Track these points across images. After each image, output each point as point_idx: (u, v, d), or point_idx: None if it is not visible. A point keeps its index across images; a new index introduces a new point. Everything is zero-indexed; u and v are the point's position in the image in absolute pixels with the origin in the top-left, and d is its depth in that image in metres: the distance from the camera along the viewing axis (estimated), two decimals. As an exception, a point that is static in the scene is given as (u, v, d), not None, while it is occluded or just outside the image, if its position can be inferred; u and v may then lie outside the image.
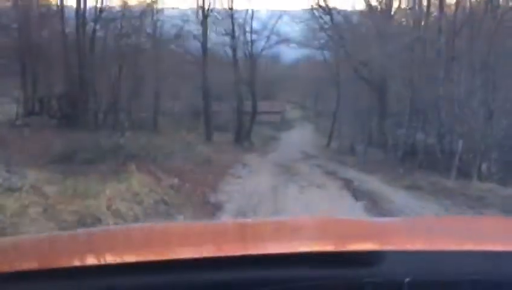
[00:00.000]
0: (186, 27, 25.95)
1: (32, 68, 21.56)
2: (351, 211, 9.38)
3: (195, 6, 25.64)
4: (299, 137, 37.30)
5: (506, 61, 16.07)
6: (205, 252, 0.98)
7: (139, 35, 21.29)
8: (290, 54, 40.99)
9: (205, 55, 25.93)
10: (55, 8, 20.86)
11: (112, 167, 10.70)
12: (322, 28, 29.22)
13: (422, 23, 18.94)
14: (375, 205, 10.10)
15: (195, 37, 26.11)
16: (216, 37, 27.57)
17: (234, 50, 27.55)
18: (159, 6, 24.03)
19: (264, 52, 31.16)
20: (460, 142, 15.52)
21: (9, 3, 21.79)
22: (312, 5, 26.99)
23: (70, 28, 20.09)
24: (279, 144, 32.52)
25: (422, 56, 18.42)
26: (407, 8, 23.48)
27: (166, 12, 25.09)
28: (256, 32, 28.37)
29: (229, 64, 28.96)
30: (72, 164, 10.99)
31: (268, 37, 28.52)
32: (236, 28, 27.33)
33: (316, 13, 27.46)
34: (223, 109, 34.72)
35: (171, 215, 8.52)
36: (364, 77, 26.79)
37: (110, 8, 20.27)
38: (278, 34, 29.02)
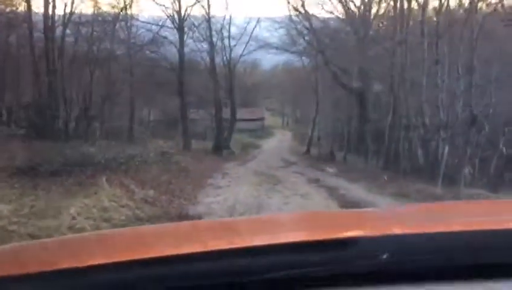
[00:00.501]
0: (162, 33, 25.05)
1: (-1, 75, 20.34)
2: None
3: (171, 12, 24.77)
4: (279, 144, 36.65)
5: (489, 65, 15.77)
6: (192, 248, 0.98)
7: (112, 40, 20.22)
8: (268, 60, 40.44)
9: (182, 61, 25.01)
10: (22, 13, 19.68)
11: (79, 180, 9.72)
12: (300, 34, 28.72)
13: (403, 28, 18.53)
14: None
15: (171, 42, 25.19)
16: (193, 44, 26.72)
17: (212, 56, 26.72)
18: (134, 11, 23.14)
19: (242, 59, 30.46)
20: (446, 148, 15.09)
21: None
22: (290, 11, 26.46)
23: (39, 33, 18.93)
24: (259, 152, 31.76)
25: (404, 61, 18.00)
26: (387, 12, 23.17)
27: (141, 18, 24.17)
28: (234, 38, 27.64)
29: (207, 71, 28.14)
30: (34, 177, 9.95)
31: (247, 43, 27.80)
32: (214, 34, 26.55)
33: (295, 18, 26.93)
34: (201, 116, 33.83)
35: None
36: (344, 83, 26.33)
37: (82, 14, 19.29)
38: (256, 39, 28.35)
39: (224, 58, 27.90)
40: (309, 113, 40.26)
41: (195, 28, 25.65)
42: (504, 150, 16.94)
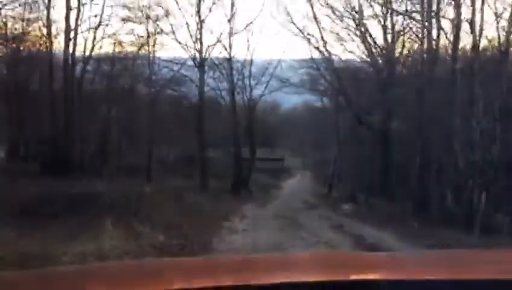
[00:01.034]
0: (183, 71, 24.61)
1: (19, 112, 19.95)
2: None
3: (192, 51, 24.42)
4: (299, 185, 35.30)
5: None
6: (208, 283, 0.97)
7: (132, 77, 19.76)
8: (288, 101, 39.82)
9: (201, 99, 24.40)
10: (44, 50, 19.47)
11: (83, 221, 8.69)
12: (321, 75, 27.98)
13: (432, 66, 17.51)
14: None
15: (191, 81, 24.69)
16: (213, 82, 26.20)
17: (232, 94, 26.07)
18: (156, 50, 22.84)
19: (262, 98, 29.77)
20: (484, 195, 13.66)
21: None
22: (311, 51, 25.80)
23: (59, 70, 18.58)
24: (278, 193, 30.45)
25: (433, 101, 16.86)
26: (412, 52, 22.27)
27: (162, 56, 23.85)
28: (254, 78, 27.05)
29: (227, 110, 27.46)
30: (36, 217, 8.98)
31: (267, 82, 27.14)
32: (234, 73, 26.01)
33: (316, 58, 26.25)
34: (220, 155, 32.95)
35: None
36: (366, 124, 25.21)
37: (102, 53, 18.94)
38: (277, 79, 27.69)
39: (245, 97, 27.24)
40: (329, 154, 39.04)
41: (216, 67, 25.16)
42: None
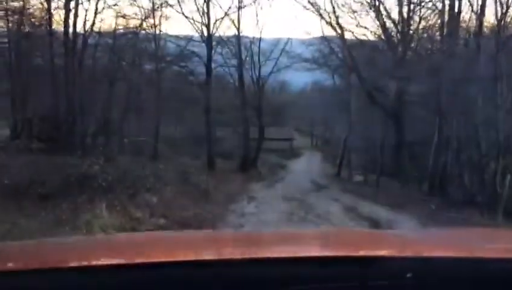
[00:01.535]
0: (190, 47, 23.39)
1: (22, 88, 19.04)
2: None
3: (199, 26, 23.12)
4: (308, 165, 34.24)
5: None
6: (217, 255, 0.99)
7: (136, 51, 18.62)
8: (297, 80, 38.48)
9: (209, 76, 23.23)
10: (44, 23, 18.38)
11: (76, 205, 7.77)
12: (333, 52, 26.61)
13: (454, 40, 16.18)
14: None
15: (197, 56, 23.49)
16: (221, 59, 24.99)
17: (240, 72, 24.87)
18: (162, 27, 21.64)
19: (271, 77, 28.50)
20: (509, 177, 12.55)
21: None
22: (323, 27, 24.42)
23: (60, 45, 17.51)
24: (287, 173, 29.46)
25: (453, 77, 15.58)
26: (430, 25, 20.81)
27: (168, 31, 22.66)
28: (263, 54, 25.74)
29: (235, 88, 26.30)
30: (24, 199, 8.07)
31: (277, 59, 25.84)
32: (242, 50, 24.74)
33: (328, 35, 24.85)
34: (228, 135, 31.94)
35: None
36: (380, 103, 23.93)
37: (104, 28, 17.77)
38: (287, 56, 26.39)
39: (253, 75, 26.02)
40: (339, 134, 37.87)
41: (223, 43, 23.91)
42: None
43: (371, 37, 24.87)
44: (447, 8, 17.59)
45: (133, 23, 18.35)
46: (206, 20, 22.82)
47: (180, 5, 21.84)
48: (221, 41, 23.68)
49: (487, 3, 15.37)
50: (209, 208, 11.12)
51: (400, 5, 22.13)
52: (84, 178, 8.56)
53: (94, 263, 0.88)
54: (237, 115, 26.85)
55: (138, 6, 19.08)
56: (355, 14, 22.58)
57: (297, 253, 0.98)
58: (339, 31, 23.90)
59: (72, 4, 15.85)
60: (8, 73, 19.77)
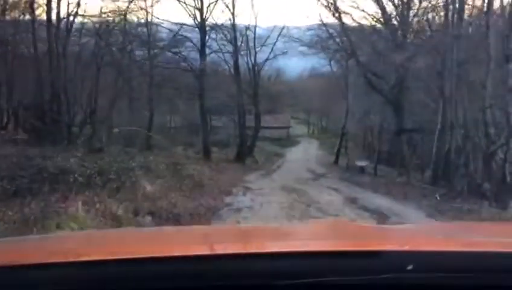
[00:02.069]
0: (183, 33, 22.14)
1: (7, 77, 17.84)
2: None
3: (192, 10, 21.85)
4: (305, 154, 33.24)
5: None
6: (215, 250, 0.97)
7: (126, 38, 17.40)
8: (294, 66, 37.30)
9: (203, 63, 22.04)
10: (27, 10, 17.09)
11: (47, 202, 6.73)
12: (331, 37, 25.45)
13: (459, 20, 15.09)
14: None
15: (192, 43, 22.28)
16: (215, 46, 23.77)
17: (236, 58, 23.70)
18: (152, 6, 20.34)
19: (267, 64, 27.33)
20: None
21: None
22: (320, 13, 23.22)
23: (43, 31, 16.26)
24: (284, 161, 28.47)
25: (459, 59, 14.55)
26: (432, 8, 19.67)
27: (160, 16, 21.39)
28: (259, 39, 24.53)
29: (230, 75, 25.15)
30: (-8, 196, 7.02)
31: (273, 45, 24.67)
32: (238, 36, 23.53)
33: (325, 20, 23.66)
34: (224, 123, 30.87)
35: None
36: (379, 89, 22.87)
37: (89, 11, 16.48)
38: (283, 42, 25.21)
39: (249, 61, 24.85)
40: (336, 122, 36.88)
41: (218, 28, 22.68)
42: None
43: (370, 22, 23.76)
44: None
45: (122, 6, 17.09)
46: (199, 3, 21.60)
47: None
48: (216, 26, 22.46)
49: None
50: (203, 201, 10.12)
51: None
52: (59, 172, 7.51)
53: (84, 258, 0.85)
54: (233, 103, 25.77)
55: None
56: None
57: (296, 247, 0.95)
58: (337, 15, 22.75)
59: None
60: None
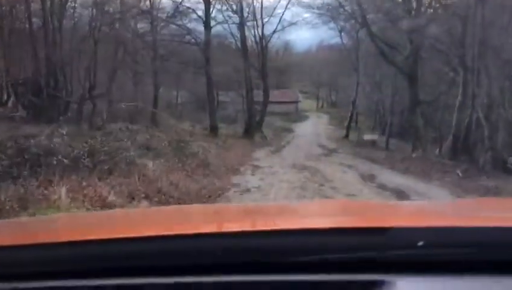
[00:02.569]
0: (186, 4, 20.75)
1: (3, 52, 16.77)
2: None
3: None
4: (314, 128, 32.03)
5: None
6: (221, 228, 0.95)
7: (125, 7, 16.11)
8: (303, 39, 35.70)
9: (208, 35, 20.71)
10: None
11: (26, 188, 5.74)
12: (341, 5, 23.79)
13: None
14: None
15: (197, 15, 20.92)
16: (221, 17, 22.36)
17: (242, 31, 22.31)
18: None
19: (275, 37, 25.86)
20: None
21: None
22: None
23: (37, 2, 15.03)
24: (293, 137, 27.32)
25: (481, 25, 13.12)
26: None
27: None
28: (267, 9, 23.06)
29: (237, 49, 23.81)
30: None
31: (281, 16, 23.20)
32: (244, 6, 22.09)
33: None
34: (232, 98, 29.69)
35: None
36: (392, 60, 21.40)
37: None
38: (291, 16, 23.68)
39: (256, 33, 23.45)
40: (345, 96, 35.42)
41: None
42: None
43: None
44: None
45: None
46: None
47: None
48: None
49: None
50: (207, 182, 9.11)
51: None
52: (43, 154, 6.51)
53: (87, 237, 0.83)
54: (240, 77, 24.53)
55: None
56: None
57: (301, 225, 0.93)
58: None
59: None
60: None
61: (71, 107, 13.87)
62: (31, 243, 0.85)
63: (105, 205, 6.01)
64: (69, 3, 14.35)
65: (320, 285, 0.77)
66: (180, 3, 20.36)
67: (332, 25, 26.98)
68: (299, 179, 10.76)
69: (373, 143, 25.60)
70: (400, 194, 9.46)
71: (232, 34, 23.37)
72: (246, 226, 0.96)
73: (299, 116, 37.73)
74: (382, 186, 10.42)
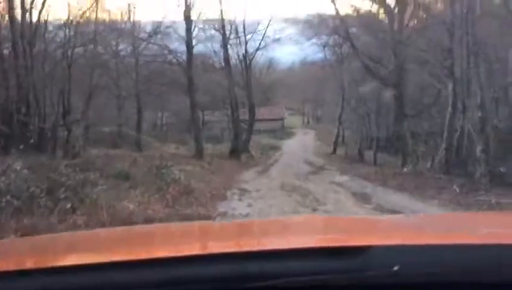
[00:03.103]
0: (167, 23, 19.92)
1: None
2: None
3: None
4: (301, 145, 31.20)
5: None
6: (200, 250, 0.91)
7: (102, 28, 15.16)
8: (284, 58, 35.19)
9: (190, 54, 19.84)
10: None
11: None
12: (324, 22, 23.31)
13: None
14: None
15: (178, 35, 20.09)
16: (202, 36, 21.60)
17: (225, 49, 21.55)
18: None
19: (258, 54, 25.17)
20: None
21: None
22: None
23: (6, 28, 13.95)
24: (281, 154, 26.42)
25: (471, 34, 12.50)
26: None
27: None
28: (249, 27, 22.38)
29: (220, 68, 22.98)
30: None
31: (263, 35, 22.56)
32: (226, 23, 21.36)
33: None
34: (217, 118, 28.78)
35: None
36: (378, 76, 20.84)
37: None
38: (273, 32, 23.12)
39: (239, 52, 22.71)
40: (331, 111, 34.84)
41: (204, 15, 20.45)
42: None
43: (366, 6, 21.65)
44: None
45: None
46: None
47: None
48: (201, 14, 20.21)
49: None
50: (190, 212, 8.07)
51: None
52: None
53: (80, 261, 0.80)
54: (225, 96, 23.67)
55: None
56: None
57: (285, 245, 0.89)
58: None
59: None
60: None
61: (44, 134, 12.73)
62: None
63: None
64: (40, 24, 13.29)
65: None
66: (161, 22, 19.53)
67: (315, 39, 26.53)
68: (290, 203, 9.78)
69: (361, 158, 24.92)
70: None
71: (215, 52, 22.61)
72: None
73: (285, 133, 36.95)
74: (379, 207, 9.49)
